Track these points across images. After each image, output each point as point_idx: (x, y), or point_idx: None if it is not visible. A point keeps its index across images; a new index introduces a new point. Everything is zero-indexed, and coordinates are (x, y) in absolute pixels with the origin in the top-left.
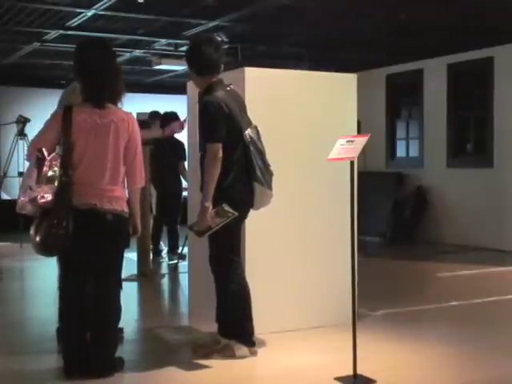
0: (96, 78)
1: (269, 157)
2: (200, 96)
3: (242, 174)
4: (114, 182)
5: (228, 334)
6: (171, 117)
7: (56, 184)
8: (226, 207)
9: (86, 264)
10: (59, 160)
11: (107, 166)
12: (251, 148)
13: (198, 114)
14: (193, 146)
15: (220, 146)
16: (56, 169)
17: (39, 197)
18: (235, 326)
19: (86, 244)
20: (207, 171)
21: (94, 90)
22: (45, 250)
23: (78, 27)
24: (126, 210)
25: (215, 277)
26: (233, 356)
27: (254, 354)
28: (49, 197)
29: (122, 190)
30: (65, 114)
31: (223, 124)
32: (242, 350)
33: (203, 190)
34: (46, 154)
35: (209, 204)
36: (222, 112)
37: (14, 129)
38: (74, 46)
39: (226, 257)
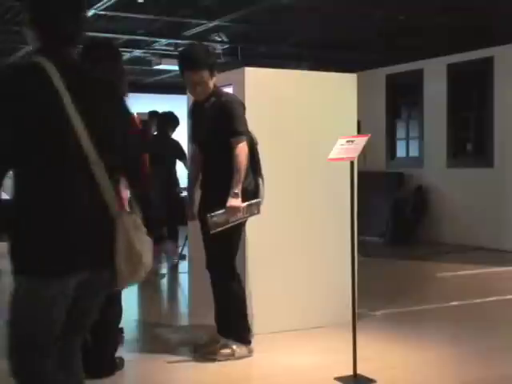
0: None
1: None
2: (207, 97)
3: (250, 171)
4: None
5: (227, 333)
6: (168, 116)
7: None
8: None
9: None
10: None
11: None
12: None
13: (209, 114)
14: (193, 146)
15: (245, 141)
16: None
17: None
18: (234, 325)
19: None
20: (240, 167)
21: None
22: None
23: None
24: (126, 210)
25: (213, 276)
26: (232, 355)
27: (251, 352)
28: None
29: (123, 191)
30: None
31: (246, 120)
32: (241, 349)
33: (233, 183)
34: None
35: (238, 190)
36: (244, 109)
37: None
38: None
39: (224, 256)
